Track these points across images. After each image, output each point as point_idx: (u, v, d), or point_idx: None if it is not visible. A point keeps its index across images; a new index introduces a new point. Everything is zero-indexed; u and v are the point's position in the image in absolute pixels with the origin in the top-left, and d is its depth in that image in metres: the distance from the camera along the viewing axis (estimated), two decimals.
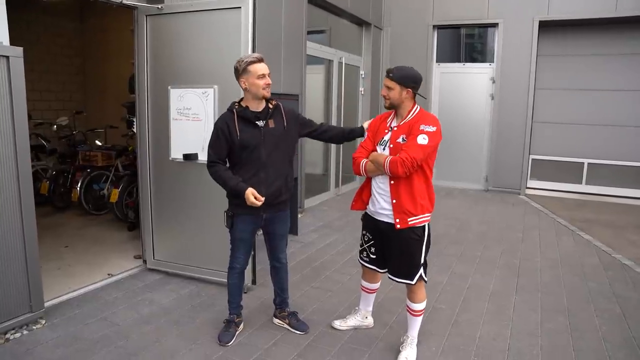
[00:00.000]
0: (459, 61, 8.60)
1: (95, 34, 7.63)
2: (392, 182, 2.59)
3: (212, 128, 2.82)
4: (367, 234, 2.84)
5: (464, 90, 8.45)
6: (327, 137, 3.12)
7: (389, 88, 2.59)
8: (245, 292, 3.68)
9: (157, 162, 3.90)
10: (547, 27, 7.64)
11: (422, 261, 2.67)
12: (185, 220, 3.87)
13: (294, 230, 5.36)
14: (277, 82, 5.60)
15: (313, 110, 7.17)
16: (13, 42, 2.99)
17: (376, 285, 3.07)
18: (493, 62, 8.11)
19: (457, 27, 8.46)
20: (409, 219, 2.56)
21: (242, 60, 2.73)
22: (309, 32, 6.90)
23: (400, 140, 2.57)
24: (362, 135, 2.92)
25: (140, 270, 4.12)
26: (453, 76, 8.54)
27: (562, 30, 7.71)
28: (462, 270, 4.35)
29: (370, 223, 2.80)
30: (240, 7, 3.36)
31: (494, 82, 8.08)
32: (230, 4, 3.38)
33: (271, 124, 2.81)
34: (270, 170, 2.80)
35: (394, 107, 2.64)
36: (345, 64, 7.49)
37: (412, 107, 2.65)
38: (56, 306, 3.37)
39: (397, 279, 2.72)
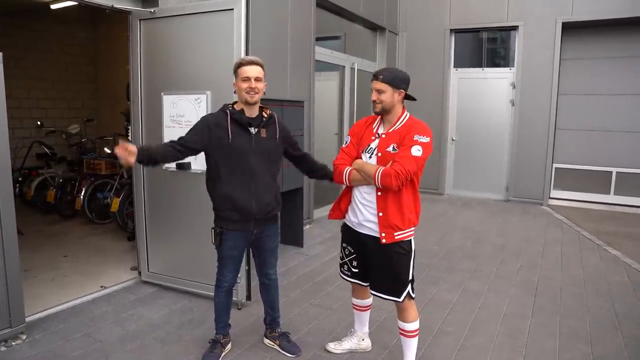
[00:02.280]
0: (477, 66, 8.28)
1: (106, 41, 7.65)
2: (379, 193, 2.37)
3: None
4: (348, 247, 2.63)
5: (483, 96, 8.12)
6: (301, 167, 2.95)
7: (379, 91, 2.38)
8: (239, 309, 3.50)
9: (150, 171, 3.76)
10: (570, 28, 7.26)
11: (410, 277, 2.44)
12: (180, 232, 3.71)
13: (299, 242, 5.16)
14: (283, 88, 5.46)
15: (325, 117, 6.99)
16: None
17: (368, 302, 2.82)
18: (513, 66, 7.77)
19: (475, 30, 8.16)
20: (395, 234, 2.35)
21: (235, 62, 2.60)
22: (323, 39, 6.74)
23: (390, 149, 2.36)
24: (331, 181, 2.73)
25: (135, 283, 3.98)
26: (471, 81, 8.22)
27: (586, 31, 7.32)
28: (474, 287, 4.05)
29: (350, 235, 2.59)
30: (232, 9, 3.20)
31: (514, 87, 7.73)
32: (223, 5, 3.23)
33: (263, 133, 2.62)
34: (260, 183, 2.61)
35: (384, 112, 2.42)
36: (358, 69, 7.28)
37: (402, 113, 2.44)
38: (42, 320, 3.24)
39: (381, 295, 2.49)
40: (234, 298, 3.43)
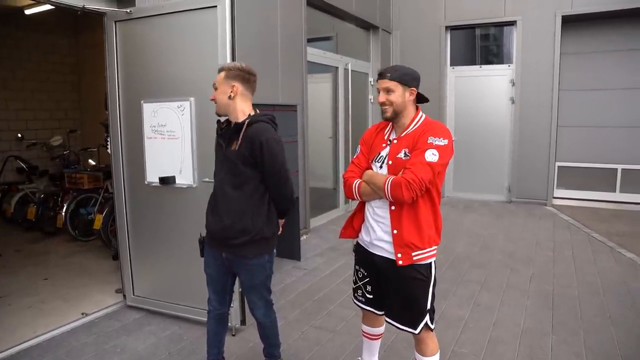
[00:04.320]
0: (475, 63, 8.03)
1: (90, 49, 7.31)
2: (392, 207, 2.07)
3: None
4: (361, 270, 2.31)
5: (481, 95, 7.86)
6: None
7: (388, 91, 2.07)
8: (233, 335, 3.19)
9: (132, 186, 3.45)
10: (570, 22, 7.03)
11: (429, 307, 2.13)
12: (166, 252, 3.40)
13: (296, 255, 4.86)
14: (274, 91, 5.15)
15: (320, 121, 6.70)
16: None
17: (380, 330, 2.52)
18: (512, 63, 7.52)
19: (471, 27, 7.90)
20: (413, 254, 2.04)
21: None
22: (314, 39, 6.46)
23: (401, 155, 2.05)
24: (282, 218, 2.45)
25: (120, 308, 3.66)
26: (469, 80, 7.97)
27: (587, 25, 7.08)
28: (486, 300, 3.76)
29: (364, 256, 2.27)
30: (216, 6, 2.90)
31: (513, 84, 7.48)
32: (205, 3, 2.93)
33: (234, 145, 2.25)
34: (221, 201, 2.30)
35: (396, 116, 2.11)
36: (352, 70, 6.99)
37: (417, 114, 2.13)
38: (13, 357, 2.92)
39: (396, 325, 2.18)
40: None
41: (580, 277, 4.23)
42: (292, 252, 4.89)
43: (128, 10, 3.19)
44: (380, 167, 2.13)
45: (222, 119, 2.36)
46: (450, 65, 8.05)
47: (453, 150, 2.05)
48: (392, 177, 1.99)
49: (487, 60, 8.04)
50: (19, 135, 6.77)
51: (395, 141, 2.12)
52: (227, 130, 2.31)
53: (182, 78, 3.11)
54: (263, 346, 2.70)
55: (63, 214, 5.10)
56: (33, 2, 3.62)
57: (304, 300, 3.82)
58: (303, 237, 5.68)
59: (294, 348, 3.04)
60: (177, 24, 3.08)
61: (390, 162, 2.08)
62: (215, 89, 2.29)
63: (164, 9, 3.08)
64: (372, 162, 2.18)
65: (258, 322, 2.54)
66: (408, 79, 2.06)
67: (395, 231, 2.05)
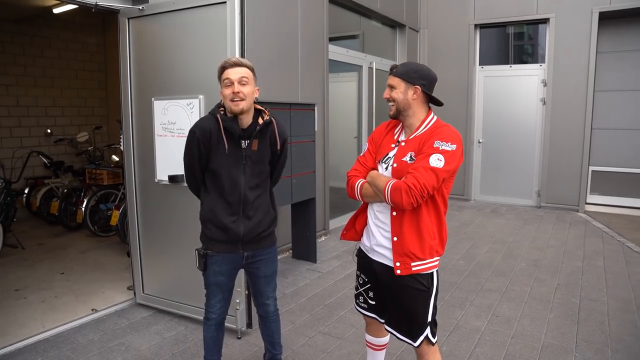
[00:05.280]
0: (505, 63, 7.72)
1: (117, 47, 7.42)
2: (394, 213, 1.93)
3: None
4: (362, 275, 2.19)
5: (511, 95, 7.57)
6: None
7: (391, 87, 1.95)
8: (238, 338, 3.13)
9: (143, 184, 3.43)
10: (607, 19, 6.66)
11: (430, 319, 1.97)
12: (176, 251, 3.36)
13: (312, 257, 4.76)
14: (293, 91, 5.07)
15: (345, 121, 6.59)
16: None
17: (384, 340, 2.38)
18: (544, 62, 7.19)
19: (501, 25, 7.61)
20: (412, 264, 1.89)
21: (219, 65, 2.18)
22: (340, 38, 6.36)
23: (406, 159, 1.91)
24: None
25: (129, 306, 3.65)
26: (499, 80, 7.68)
27: (626, 22, 6.69)
28: (506, 311, 3.56)
29: (365, 262, 2.14)
30: (225, 2, 2.83)
31: (545, 84, 7.15)
32: None
33: (255, 145, 2.23)
34: (248, 202, 2.27)
35: (399, 115, 1.99)
36: (376, 69, 6.85)
37: (427, 116, 1.98)
38: (18, 352, 2.93)
39: (396, 334, 2.05)
40: (232, 326, 3.10)
41: (612, 291, 3.96)
42: (307, 253, 4.80)
43: (140, 7, 3.17)
44: (386, 169, 2.00)
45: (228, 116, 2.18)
46: (480, 64, 7.78)
47: (462, 157, 1.90)
48: (393, 181, 1.86)
49: (517, 60, 7.72)
50: (48, 131, 6.95)
51: (403, 143, 1.99)
52: (249, 130, 2.20)
53: (191, 75, 3.07)
54: (264, 353, 2.63)
55: (83, 209, 5.17)
56: (58, 1, 3.71)
57: (314, 304, 3.72)
58: (321, 239, 5.59)
59: (299, 355, 2.94)
60: (187, 20, 3.03)
61: (395, 165, 1.95)
62: (244, 84, 2.12)
63: (174, 5, 3.04)
64: (379, 162, 2.06)
65: (271, 315, 2.50)
66: (414, 76, 1.92)
67: (395, 238, 1.92)
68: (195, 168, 2.25)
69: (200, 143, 2.17)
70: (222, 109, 2.22)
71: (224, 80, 2.13)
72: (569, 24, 6.83)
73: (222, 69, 2.16)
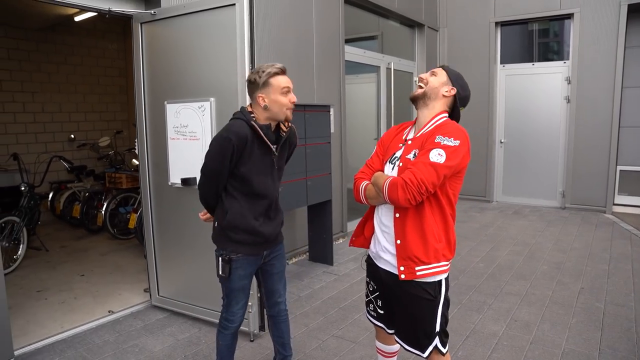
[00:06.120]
0: (527, 61, 7.53)
1: None
2: (396, 215, 1.86)
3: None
4: (372, 283, 2.13)
5: (534, 94, 7.37)
6: None
7: (433, 73, 1.94)
8: (251, 341, 3.12)
9: (157, 187, 3.47)
10: (637, 12, 6.41)
11: (438, 329, 1.89)
12: (190, 254, 3.38)
13: (328, 259, 4.73)
14: (309, 92, 5.05)
15: (364, 122, 6.55)
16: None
17: (394, 348, 2.31)
18: (568, 59, 6.98)
19: (523, 22, 7.43)
20: (416, 268, 1.81)
21: (262, 71, 2.09)
22: (359, 39, 6.32)
23: (410, 156, 1.84)
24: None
25: (145, 307, 3.69)
26: (521, 78, 7.50)
27: None
28: (525, 316, 3.45)
29: (373, 269, 2.08)
30: (234, 4, 2.83)
31: (569, 82, 6.94)
32: (223, 1, 2.87)
33: (277, 151, 2.27)
34: (274, 206, 2.36)
35: (421, 99, 1.93)
36: (394, 70, 6.78)
37: (439, 114, 1.91)
38: (37, 351, 2.99)
39: (404, 346, 1.98)
40: (245, 329, 3.09)
41: (639, 297, 3.79)
42: (324, 256, 4.77)
43: (152, 12, 3.20)
44: (393, 168, 1.95)
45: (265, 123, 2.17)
46: (501, 63, 7.61)
47: (469, 155, 1.82)
48: (391, 177, 1.80)
49: (540, 57, 7.52)
50: (72, 136, 7.13)
51: (409, 142, 1.94)
52: (277, 136, 2.21)
53: (202, 78, 3.08)
54: (274, 356, 2.61)
55: (103, 212, 5.27)
56: (75, 8, 3.78)
57: (329, 307, 3.68)
58: (339, 241, 5.55)
59: (311, 358, 2.91)
60: (198, 23, 3.05)
61: (400, 164, 1.89)
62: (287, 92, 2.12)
63: (185, 9, 3.06)
64: (386, 162, 2.01)
65: (282, 313, 2.50)
66: (460, 82, 1.93)
67: (398, 241, 1.86)
68: (224, 174, 2.15)
69: (235, 150, 2.09)
70: (253, 115, 2.16)
71: (283, 88, 2.09)
72: (595, 18, 6.61)
73: (274, 75, 2.09)
